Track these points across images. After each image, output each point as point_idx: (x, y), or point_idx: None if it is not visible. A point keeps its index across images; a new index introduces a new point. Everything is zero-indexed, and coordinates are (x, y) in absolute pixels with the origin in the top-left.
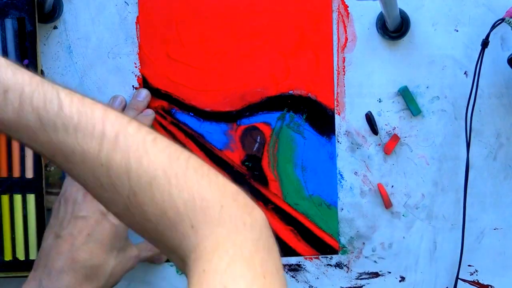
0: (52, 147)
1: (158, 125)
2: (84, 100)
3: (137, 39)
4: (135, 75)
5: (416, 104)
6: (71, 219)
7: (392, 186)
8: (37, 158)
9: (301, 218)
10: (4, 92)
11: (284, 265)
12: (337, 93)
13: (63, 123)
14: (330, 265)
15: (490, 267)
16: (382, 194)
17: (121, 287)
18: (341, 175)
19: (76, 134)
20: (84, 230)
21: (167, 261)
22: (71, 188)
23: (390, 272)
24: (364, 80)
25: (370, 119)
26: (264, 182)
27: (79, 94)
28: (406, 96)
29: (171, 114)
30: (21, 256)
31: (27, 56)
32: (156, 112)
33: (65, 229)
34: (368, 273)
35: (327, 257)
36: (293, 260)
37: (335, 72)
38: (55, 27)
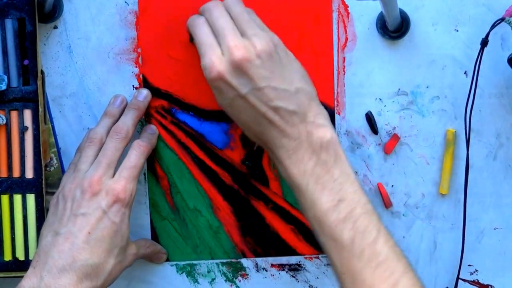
0: (346, 269)
1: (158, 125)
2: (397, 248)
3: (137, 39)
4: (135, 75)
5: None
6: (70, 216)
7: (392, 185)
8: (37, 158)
9: (301, 217)
10: (339, 201)
11: (284, 265)
12: (337, 92)
13: (369, 255)
14: (330, 264)
15: (490, 267)
16: (382, 193)
17: (121, 286)
18: None
19: (375, 270)
20: (84, 229)
21: (166, 259)
22: (70, 185)
23: None
24: (364, 80)
25: (370, 119)
26: (265, 181)
27: (394, 240)
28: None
29: (171, 113)
30: (20, 256)
31: (27, 56)
32: (156, 111)
33: (64, 226)
34: None
35: (327, 257)
36: (293, 259)
37: (335, 72)
38: (55, 27)
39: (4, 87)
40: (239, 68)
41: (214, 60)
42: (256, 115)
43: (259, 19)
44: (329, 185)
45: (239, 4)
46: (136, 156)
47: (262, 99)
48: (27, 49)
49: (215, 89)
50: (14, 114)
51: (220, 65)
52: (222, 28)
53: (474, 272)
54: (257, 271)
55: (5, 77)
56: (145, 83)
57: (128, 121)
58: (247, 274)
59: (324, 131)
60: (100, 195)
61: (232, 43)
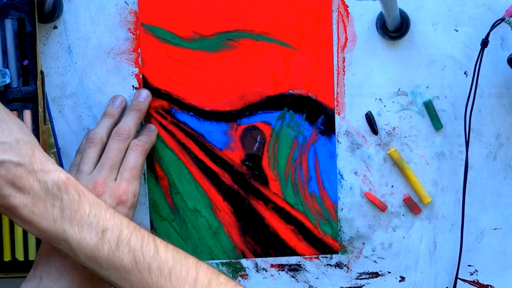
0: None
1: (158, 125)
2: (177, 248)
3: (137, 39)
4: (135, 75)
5: (438, 119)
6: None
7: (392, 186)
8: None
9: (301, 218)
10: (103, 232)
11: (284, 265)
12: (337, 93)
13: (158, 266)
14: (330, 265)
15: (490, 267)
16: (372, 201)
17: None
18: (341, 175)
19: (171, 277)
20: None
21: None
22: None
23: (390, 272)
24: (364, 80)
25: (370, 119)
26: (265, 181)
27: (171, 243)
28: (429, 110)
29: (171, 113)
30: (20, 256)
31: (27, 56)
32: (156, 111)
33: None
34: (368, 273)
35: (327, 257)
36: (293, 260)
37: (335, 72)
38: (55, 27)
39: (8, 80)
40: None
41: None
42: None
43: None
44: (85, 221)
45: None
46: (135, 156)
47: None
48: (27, 49)
49: None
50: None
51: None
52: None
53: (474, 272)
54: (257, 271)
55: (7, 71)
56: (145, 83)
57: (129, 122)
58: (247, 275)
59: (56, 174)
60: (103, 198)
61: None
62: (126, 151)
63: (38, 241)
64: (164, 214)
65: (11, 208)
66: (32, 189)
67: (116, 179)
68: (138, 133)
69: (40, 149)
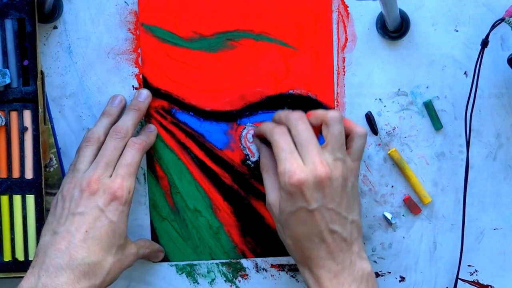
0: None
1: (158, 125)
2: None
3: (137, 39)
4: (135, 75)
5: (438, 119)
6: (68, 216)
7: (392, 186)
8: (36, 158)
9: None
10: None
11: (284, 265)
12: (337, 93)
13: None
14: None
15: (490, 267)
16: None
17: (121, 287)
18: None
19: None
20: (81, 227)
21: (165, 260)
22: (68, 185)
23: (390, 272)
24: (364, 80)
25: (370, 119)
26: None
27: None
28: (429, 110)
29: (171, 113)
30: (20, 256)
31: (27, 56)
32: (156, 111)
33: (62, 225)
34: None
35: None
36: (293, 260)
37: (335, 72)
38: (55, 27)
39: (8, 80)
40: (319, 183)
41: (296, 168)
42: (312, 231)
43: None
44: None
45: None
46: (131, 153)
47: (325, 218)
48: (27, 49)
49: (287, 194)
50: (13, 115)
51: (301, 174)
52: (308, 142)
53: (474, 272)
54: (257, 271)
55: (7, 71)
56: (145, 83)
57: (128, 121)
58: (247, 275)
59: (366, 264)
60: (97, 194)
61: (317, 158)
62: (124, 149)
63: (38, 241)
64: (164, 214)
65: (315, 266)
66: (343, 263)
67: (111, 176)
68: (137, 133)
69: (361, 237)
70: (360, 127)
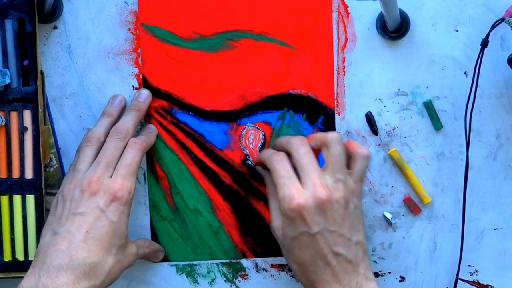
0: None
1: (158, 125)
2: None
3: (137, 39)
4: (135, 75)
5: (438, 119)
6: (69, 216)
7: (392, 186)
8: (36, 158)
9: None
10: None
11: (284, 265)
12: (337, 93)
13: None
14: None
15: (490, 267)
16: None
17: (121, 287)
18: None
19: None
20: (82, 228)
21: (165, 260)
22: (69, 185)
23: (390, 272)
24: (364, 80)
25: (370, 119)
26: (265, 181)
27: None
28: (429, 110)
29: (171, 113)
30: (20, 256)
31: (27, 56)
32: (156, 112)
33: (62, 226)
34: None
35: None
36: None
37: (335, 72)
38: (55, 27)
39: (8, 80)
40: (320, 206)
41: (294, 192)
42: (316, 254)
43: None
44: None
45: (340, 144)
46: (132, 153)
47: (328, 241)
48: (27, 49)
49: (288, 219)
50: (13, 115)
51: (300, 198)
52: (308, 165)
53: (474, 272)
54: (257, 271)
55: (7, 71)
56: (145, 83)
57: (128, 121)
58: (247, 275)
59: (373, 284)
60: (98, 194)
61: (317, 181)
62: (124, 149)
63: (38, 241)
64: (164, 214)
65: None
66: (349, 285)
67: (111, 176)
68: (137, 133)
69: (367, 256)
70: (363, 148)
